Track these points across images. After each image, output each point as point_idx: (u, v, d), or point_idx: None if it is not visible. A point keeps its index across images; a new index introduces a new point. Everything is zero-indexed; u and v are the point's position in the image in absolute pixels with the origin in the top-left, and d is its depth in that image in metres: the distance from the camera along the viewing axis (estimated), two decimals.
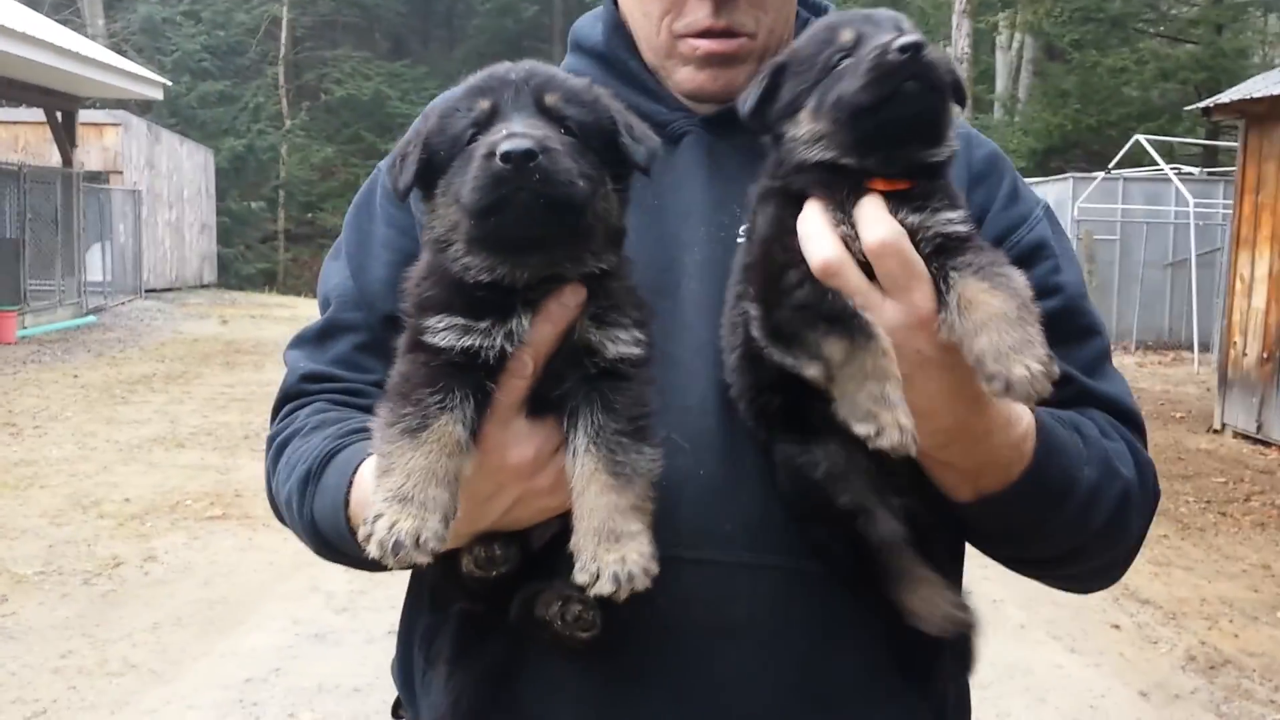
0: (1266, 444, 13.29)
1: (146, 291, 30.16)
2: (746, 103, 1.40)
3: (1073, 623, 7.41)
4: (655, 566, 1.22)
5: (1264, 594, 8.07)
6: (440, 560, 1.23)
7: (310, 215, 42.89)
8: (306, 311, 29.27)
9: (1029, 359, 1.20)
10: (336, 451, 1.49)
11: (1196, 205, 20.75)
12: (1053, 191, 24.09)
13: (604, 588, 1.19)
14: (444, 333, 1.25)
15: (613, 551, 1.20)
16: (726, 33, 1.53)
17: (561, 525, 1.32)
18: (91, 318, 24.36)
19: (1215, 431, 14.21)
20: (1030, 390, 1.19)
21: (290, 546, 8.64)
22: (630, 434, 1.25)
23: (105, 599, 7.48)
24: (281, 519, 1.63)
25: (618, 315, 1.29)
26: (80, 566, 8.10)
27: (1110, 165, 23.58)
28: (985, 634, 1.55)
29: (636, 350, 1.29)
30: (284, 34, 45.06)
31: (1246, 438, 13.68)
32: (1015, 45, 36.00)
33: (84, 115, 25.89)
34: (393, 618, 5.94)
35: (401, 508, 1.18)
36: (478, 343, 1.24)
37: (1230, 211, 15.33)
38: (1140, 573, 8.55)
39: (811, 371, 1.28)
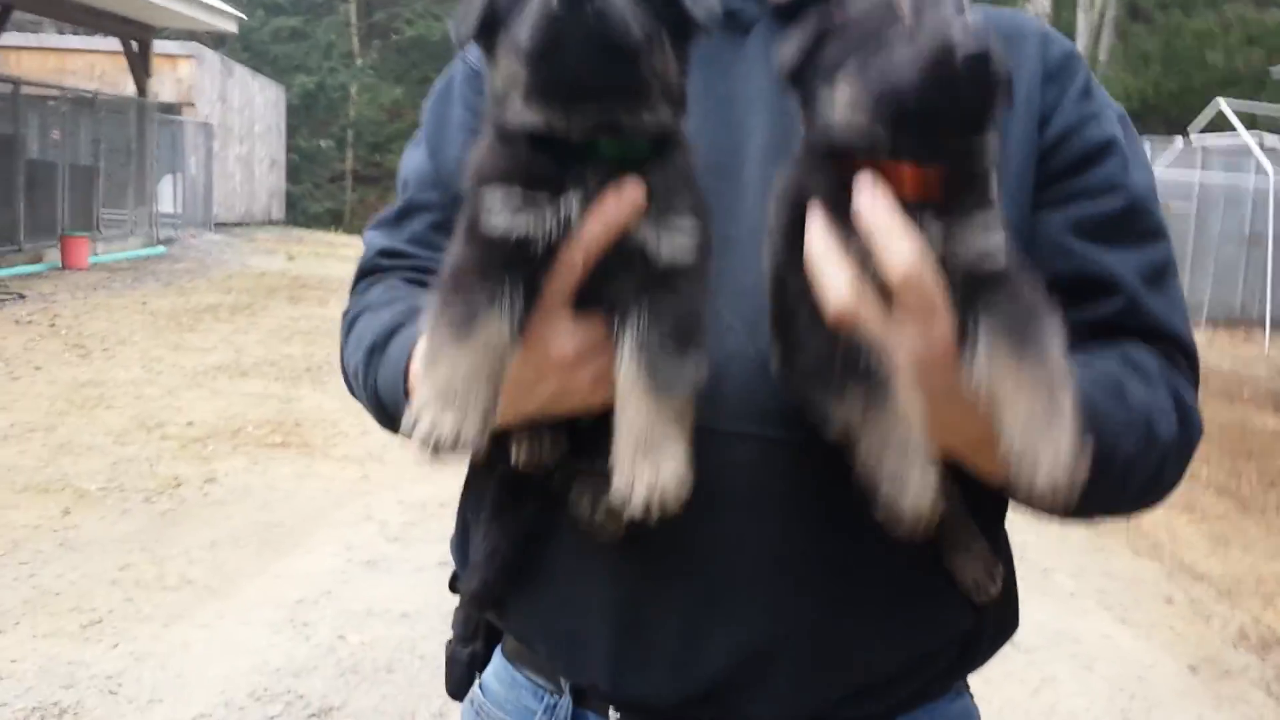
0: None
1: (216, 225, 30.59)
2: (787, 60, 1.29)
3: (1124, 594, 7.32)
4: (689, 480, 1.21)
5: None
6: (491, 448, 1.23)
7: (378, 157, 43.16)
8: None
9: (1062, 448, 1.13)
10: (401, 325, 1.49)
11: (1278, 176, 20.16)
12: None
13: (637, 505, 1.19)
14: (499, 213, 1.23)
15: (647, 462, 1.19)
16: None
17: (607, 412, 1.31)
18: (161, 248, 24.78)
19: None
20: (1052, 483, 1.13)
21: (347, 475, 8.81)
22: (676, 342, 1.23)
23: (164, 517, 7.66)
24: (352, 392, 1.64)
25: (674, 211, 1.26)
26: (142, 485, 8.29)
27: (1190, 130, 22.94)
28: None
29: (691, 249, 1.26)
30: None
31: None
32: (1098, 5, 35.09)
33: (158, 46, 26.18)
34: (443, 549, 6.03)
35: (444, 404, 1.18)
36: (530, 229, 1.22)
37: None
38: (1196, 548, 8.43)
39: (830, 421, 1.27)
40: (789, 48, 1.29)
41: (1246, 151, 21.36)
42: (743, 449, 1.41)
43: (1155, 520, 8.98)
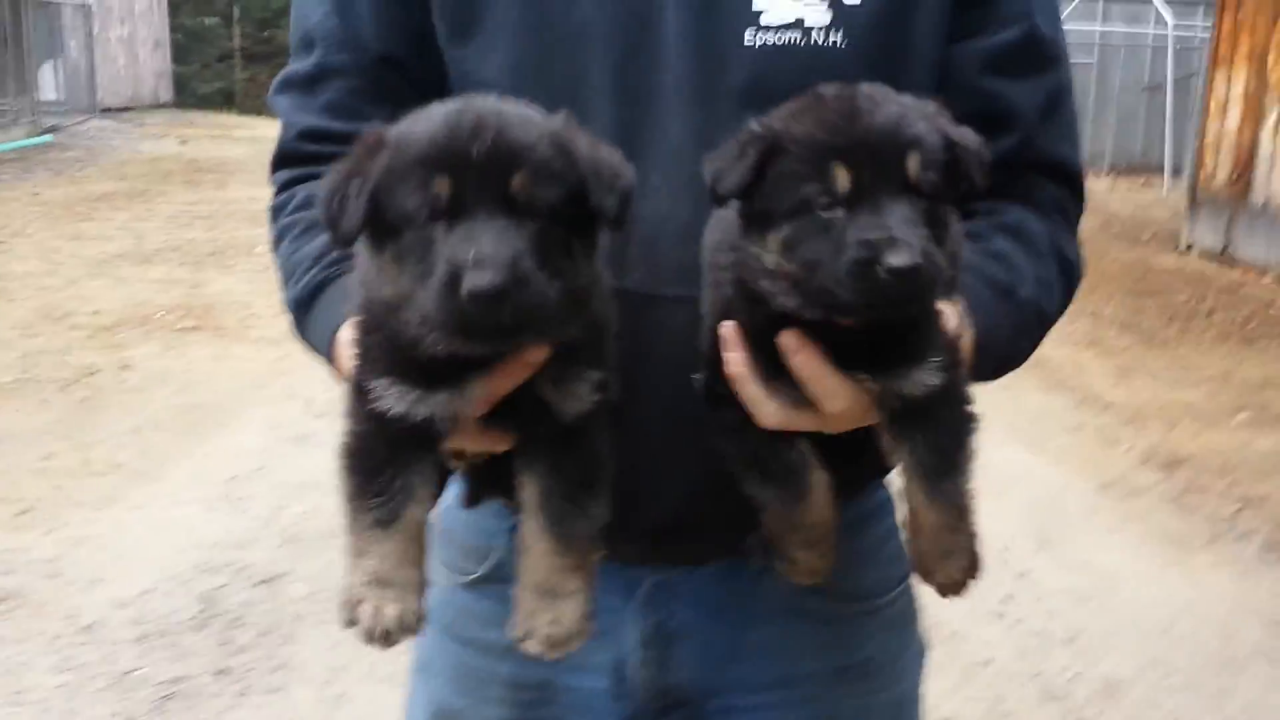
0: (1232, 263, 13.48)
1: (102, 111, 29.28)
2: (725, 183, 1.24)
3: (1033, 426, 7.63)
4: (591, 627, 1.30)
5: (1223, 400, 8.33)
6: None
7: (267, 34, 41.42)
8: (267, 132, 28.49)
9: (955, 568, 1.36)
10: (323, 285, 1.52)
11: (1176, 27, 20.45)
12: None
13: (533, 649, 1.28)
14: (390, 400, 1.21)
15: (548, 611, 1.27)
16: None
17: None
18: (48, 137, 23.70)
19: (1182, 251, 14.37)
20: (956, 589, 1.38)
21: (266, 356, 8.70)
22: (577, 496, 1.29)
23: (83, 405, 7.53)
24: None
25: (578, 368, 1.25)
26: (55, 375, 8.12)
27: None
28: None
29: (594, 401, 1.27)
30: None
31: (1212, 256, 13.86)
32: None
33: None
34: None
35: (381, 591, 1.24)
36: (429, 413, 1.22)
37: (1209, 34, 15.14)
38: (1103, 380, 8.79)
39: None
40: (730, 175, 1.24)
41: (1145, 1, 21.55)
42: (681, 312, 1.44)
43: (1062, 357, 9.33)
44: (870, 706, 1.73)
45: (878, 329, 1.25)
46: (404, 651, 1.78)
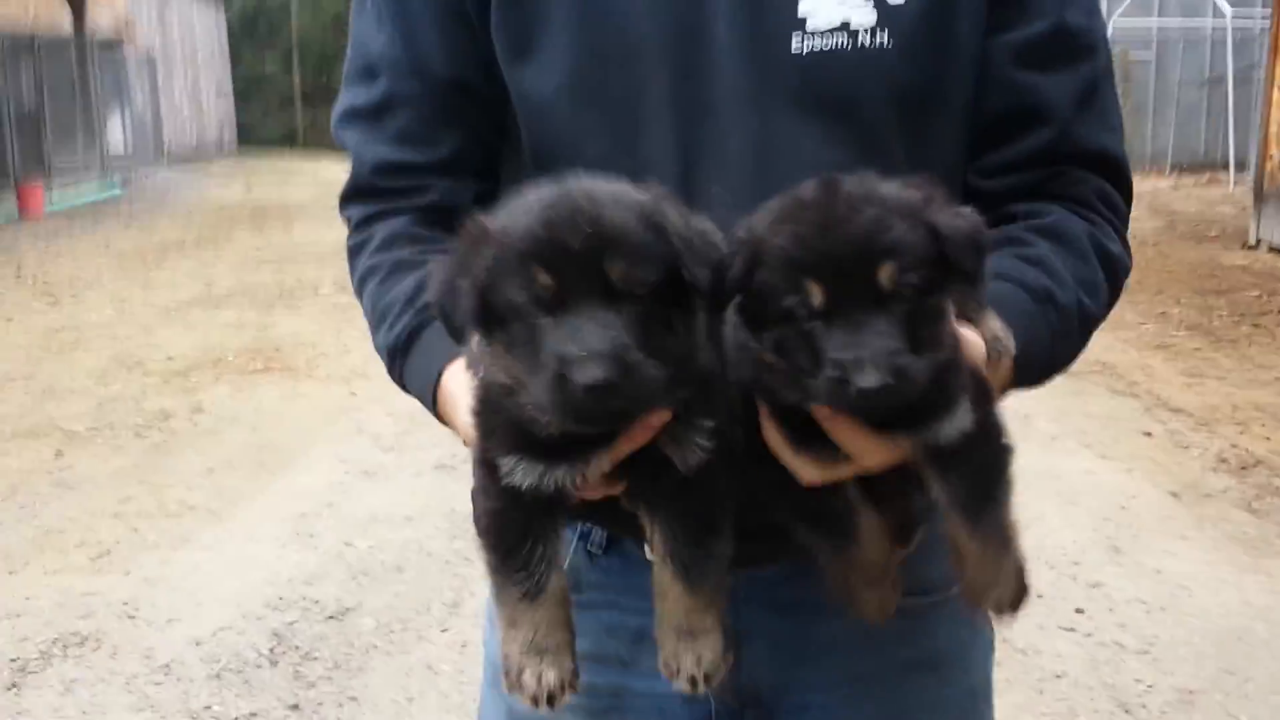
0: None
1: (169, 160, 30.10)
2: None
3: (1103, 432, 7.51)
4: (729, 659, 1.39)
5: None
6: None
7: (325, 76, 42.28)
8: (330, 174, 29.10)
9: (1004, 595, 1.38)
10: (419, 331, 1.54)
11: (1234, 17, 20.07)
12: None
13: (682, 686, 1.38)
14: (519, 475, 1.28)
15: (690, 650, 1.37)
16: None
17: None
18: (117, 188, 24.40)
19: (1250, 247, 14.07)
20: (1007, 612, 1.40)
21: (334, 393, 8.87)
22: (701, 541, 1.36)
23: (157, 449, 7.72)
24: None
25: (694, 421, 1.30)
26: (130, 420, 8.33)
27: None
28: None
29: (710, 449, 1.32)
30: None
31: None
32: None
33: None
34: (437, 454, 6.17)
35: (540, 659, 1.34)
36: (557, 484, 1.28)
37: (1269, 21, 14.84)
38: (1172, 383, 8.63)
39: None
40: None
41: None
42: None
43: (1130, 361, 9.18)
44: (942, 699, 1.72)
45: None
46: (469, 682, 1.82)
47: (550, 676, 1.34)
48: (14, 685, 4.69)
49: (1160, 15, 22.03)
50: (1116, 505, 6.29)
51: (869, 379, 1.16)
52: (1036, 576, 4.89)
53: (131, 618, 5.23)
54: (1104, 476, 6.76)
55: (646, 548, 1.63)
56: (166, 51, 31.35)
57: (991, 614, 1.41)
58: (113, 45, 28.16)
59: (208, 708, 4.50)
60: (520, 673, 1.34)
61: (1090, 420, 7.73)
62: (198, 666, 4.79)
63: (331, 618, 5.17)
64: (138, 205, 22.34)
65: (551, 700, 1.34)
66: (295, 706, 4.50)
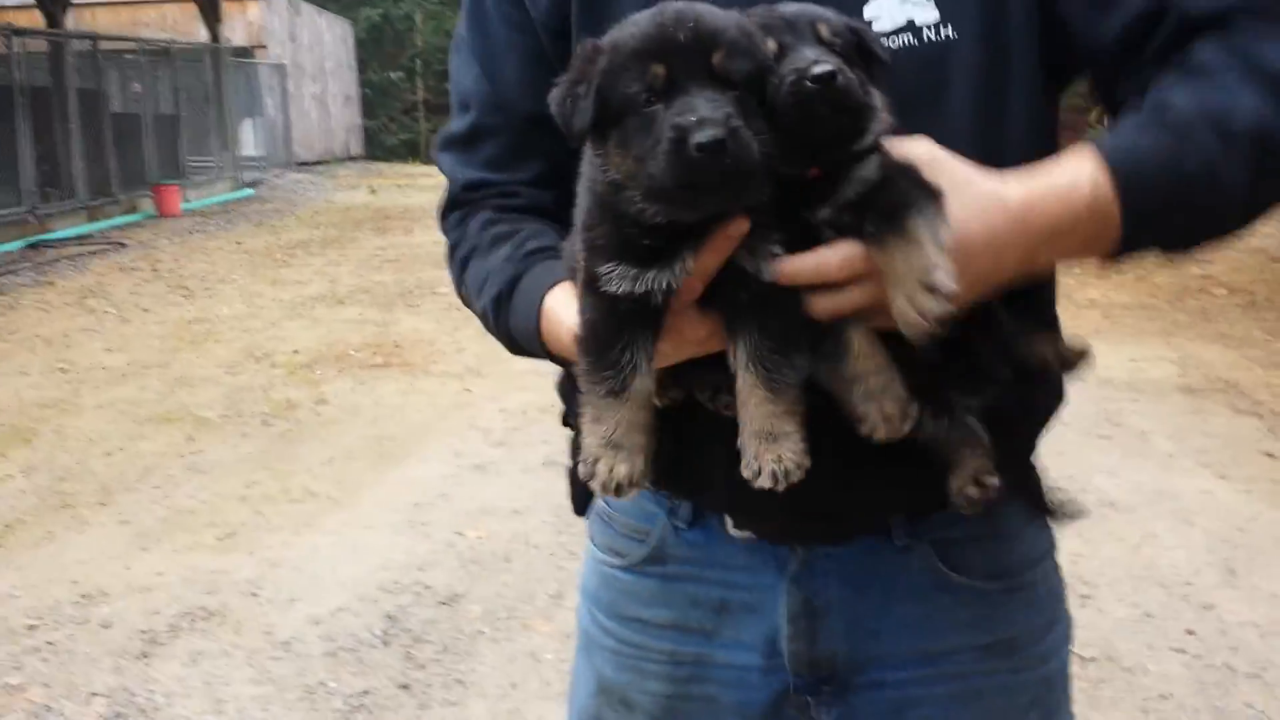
0: None
1: (298, 164, 31.12)
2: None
3: (1223, 451, 7.31)
4: (807, 461, 1.43)
5: None
6: None
7: (447, 85, 43.14)
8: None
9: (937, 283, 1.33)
10: (520, 276, 1.65)
11: None
12: None
13: (764, 482, 1.43)
14: (617, 280, 1.40)
15: (770, 450, 1.43)
16: None
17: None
18: (248, 190, 25.34)
19: None
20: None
21: (449, 389, 9.12)
22: (782, 350, 1.44)
23: (283, 437, 8.05)
24: (478, 317, 1.79)
25: (767, 237, 1.41)
26: (258, 409, 8.70)
27: None
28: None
29: (783, 257, 1.43)
30: None
31: None
32: None
33: None
34: (545, 450, 6.33)
35: (615, 453, 1.44)
36: (649, 287, 1.40)
37: None
38: None
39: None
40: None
41: None
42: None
43: (1255, 379, 8.91)
44: (1017, 684, 1.74)
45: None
46: (571, 672, 1.93)
47: (621, 470, 1.43)
48: (144, 655, 4.97)
49: None
50: (1234, 527, 6.13)
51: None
52: (1147, 596, 4.87)
53: (254, 595, 5.49)
54: (1222, 497, 6.59)
55: (729, 521, 1.72)
56: (297, 61, 32.42)
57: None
58: (246, 54, 29.27)
59: (323, 684, 4.70)
60: (595, 462, 1.45)
61: (1210, 439, 7.53)
62: (315, 644, 5.00)
63: (442, 603, 5.35)
64: (268, 206, 23.16)
65: (619, 490, 1.43)
66: (405, 686, 4.67)
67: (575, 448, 1.93)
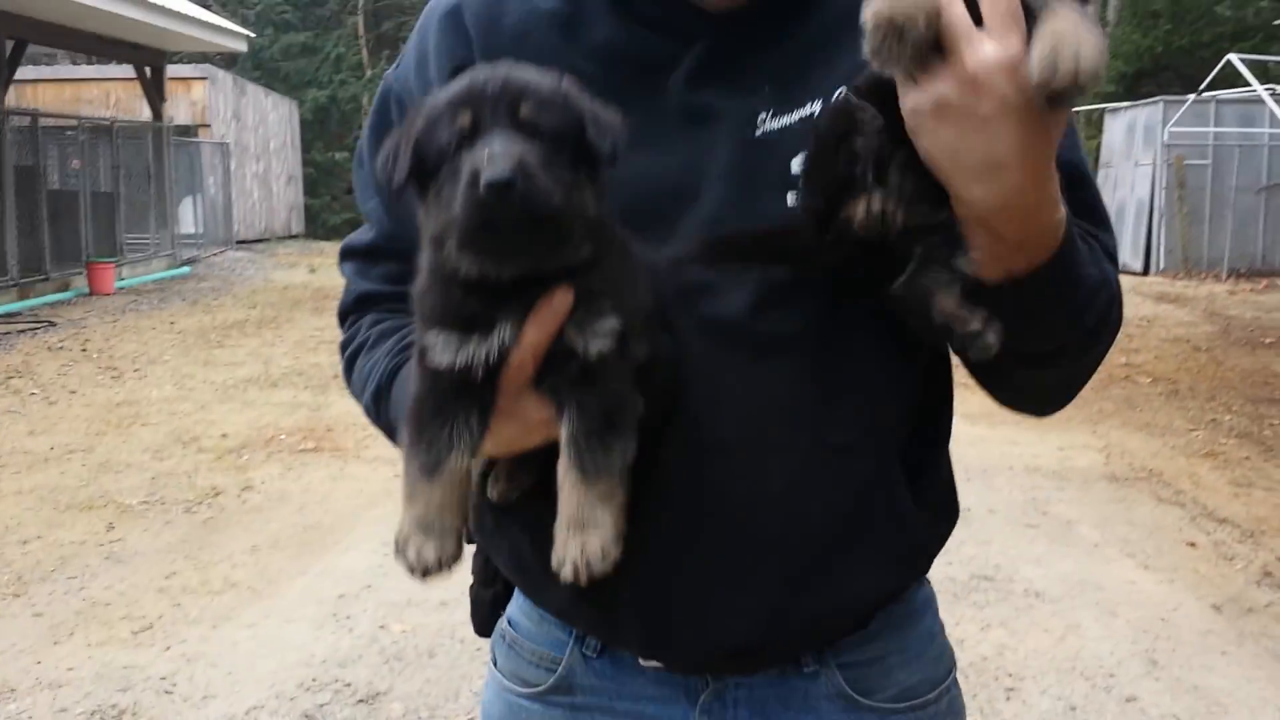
0: None
1: (237, 242, 30.94)
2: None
3: (1147, 541, 7.42)
4: (615, 552, 1.43)
5: None
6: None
7: None
8: None
9: (1083, 52, 1.24)
10: (398, 369, 1.64)
11: None
12: (1142, 115, 23.52)
13: (566, 575, 1.43)
14: (440, 350, 1.41)
15: (576, 540, 1.42)
16: None
17: None
18: (185, 268, 25.11)
19: None
20: (1073, 71, 1.24)
21: (380, 475, 9.01)
22: (602, 433, 1.43)
23: (206, 525, 7.88)
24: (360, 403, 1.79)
25: (597, 311, 1.41)
26: (182, 496, 8.53)
27: (1202, 87, 22.85)
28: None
29: (612, 345, 1.42)
30: None
31: None
32: None
33: (171, 70, 26.51)
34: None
35: (425, 535, 1.43)
36: (470, 358, 1.40)
37: None
38: (1220, 492, 8.52)
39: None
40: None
41: (1259, 102, 21.23)
42: (740, 459, 1.57)
43: (1178, 468, 9.08)
44: None
45: None
46: None
47: (429, 553, 1.42)
48: None
49: (1216, 124, 22.08)
50: (1157, 617, 6.20)
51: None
52: (1072, 688, 4.91)
53: (169, 693, 5.33)
54: (1145, 587, 6.67)
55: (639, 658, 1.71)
56: (240, 140, 32.41)
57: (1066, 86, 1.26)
58: (190, 132, 29.22)
59: None
60: (406, 543, 1.44)
61: (1134, 528, 7.64)
62: None
63: (362, 701, 5.23)
64: (204, 285, 22.96)
65: (426, 573, 1.43)
66: None
67: (478, 566, 1.91)
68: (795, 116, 1.56)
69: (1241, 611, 6.28)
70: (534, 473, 1.58)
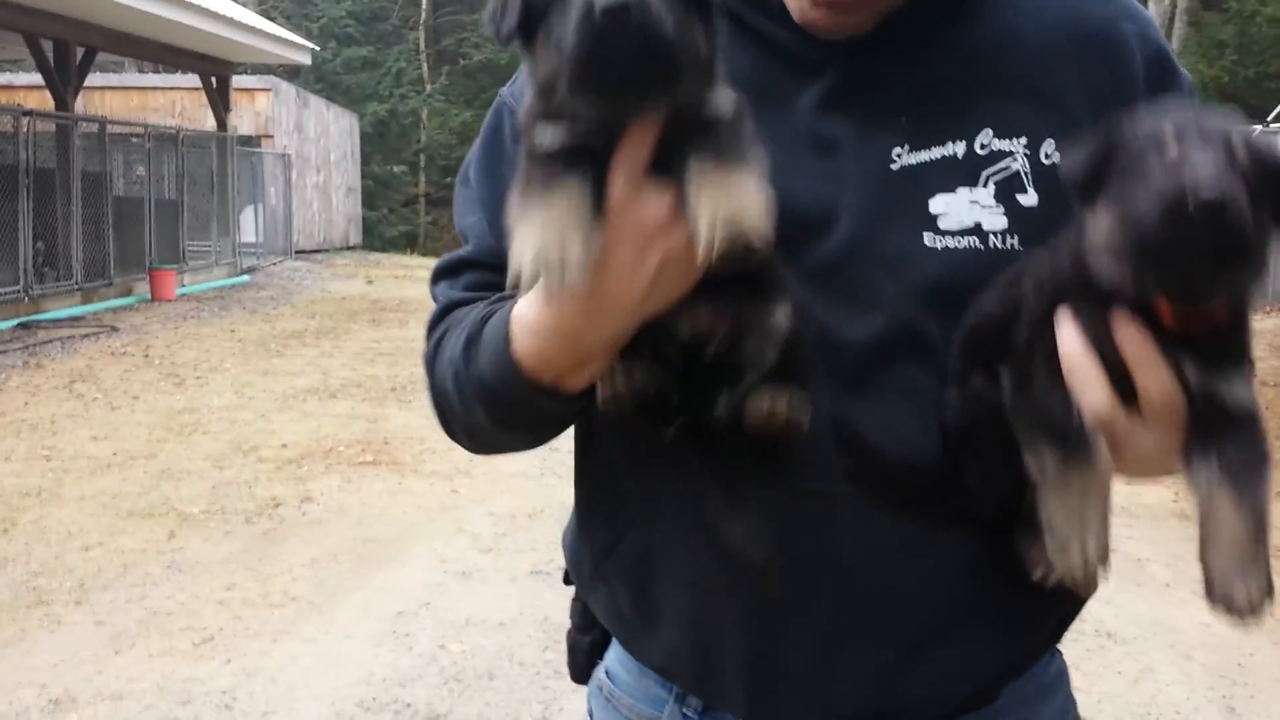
0: None
1: (296, 252, 31.29)
2: (1072, 171, 1.34)
3: None
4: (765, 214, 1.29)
5: None
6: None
7: (449, 179, 43.71)
8: None
9: (1255, 585, 1.26)
10: (489, 316, 1.52)
11: None
12: None
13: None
14: (554, 136, 1.31)
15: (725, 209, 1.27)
16: None
17: (709, 329, 1.39)
18: (245, 277, 25.42)
19: None
20: (1246, 611, 1.26)
21: (437, 490, 9.00)
22: (732, 156, 1.32)
23: (266, 536, 7.90)
24: (448, 424, 1.64)
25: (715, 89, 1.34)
26: (242, 506, 8.56)
27: (1270, 118, 22.44)
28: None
29: (730, 109, 1.34)
30: (424, 0, 45.90)
31: None
32: None
33: (236, 81, 26.89)
34: (534, 558, 6.18)
35: (543, 233, 1.28)
36: (587, 139, 1.30)
37: None
38: None
39: (1030, 463, 1.37)
40: (1074, 158, 1.33)
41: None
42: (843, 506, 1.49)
43: None
44: None
45: (1198, 334, 1.28)
46: None
47: (551, 248, 1.27)
48: None
49: None
50: (1233, 662, 6.01)
51: (1208, 190, 1.16)
52: None
53: (229, 708, 5.32)
54: (1220, 629, 6.46)
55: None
56: (302, 151, 32.81)
57: (1236, 611, 1.27)
58: (253, 143, 29.62)
59: None
60: (521, 253, 1.28)
61: None
62: None
63: None
64: (264, 294, 23.20)
65: (549, 269, 1.27)
66: None
67: (575, 611, 1.85)
68: (936, 154, 1.49)
69: None
70: (653, 381, 1.43)
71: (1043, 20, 1.53)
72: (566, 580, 1.85)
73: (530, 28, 1.32)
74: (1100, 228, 1.29)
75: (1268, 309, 20.43)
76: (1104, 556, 1.35)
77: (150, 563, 7.29)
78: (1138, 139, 1.27)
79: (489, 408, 1.52)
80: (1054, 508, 1.35)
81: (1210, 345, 1.30)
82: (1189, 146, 1.21)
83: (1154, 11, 34.49)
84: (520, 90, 1.68)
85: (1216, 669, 5.93)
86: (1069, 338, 1.32)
